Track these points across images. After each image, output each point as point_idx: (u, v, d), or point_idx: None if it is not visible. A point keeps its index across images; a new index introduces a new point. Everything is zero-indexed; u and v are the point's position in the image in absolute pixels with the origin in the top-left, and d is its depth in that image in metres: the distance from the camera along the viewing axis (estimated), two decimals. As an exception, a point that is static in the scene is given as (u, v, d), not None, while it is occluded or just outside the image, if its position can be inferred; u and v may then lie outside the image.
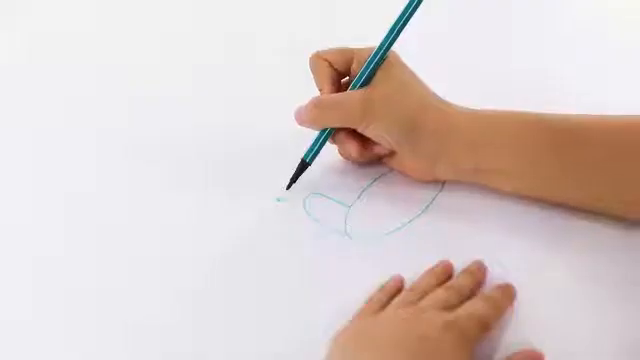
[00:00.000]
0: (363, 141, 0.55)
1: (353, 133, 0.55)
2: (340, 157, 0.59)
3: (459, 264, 0.50)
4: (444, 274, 0.50)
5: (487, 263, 0.50)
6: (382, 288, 0.50)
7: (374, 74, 0.54)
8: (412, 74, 0.55)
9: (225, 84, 0.69)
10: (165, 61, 0.73)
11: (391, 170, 0.58)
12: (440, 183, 0.56)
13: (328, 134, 0.55)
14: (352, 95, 0.54)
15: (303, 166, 0.56)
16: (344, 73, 0.56)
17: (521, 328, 0.47)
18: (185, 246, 0.54)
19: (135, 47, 0.75)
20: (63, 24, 0.80)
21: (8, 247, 0.55)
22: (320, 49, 0.56)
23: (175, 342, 0.48)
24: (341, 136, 0.55)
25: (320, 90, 0.56)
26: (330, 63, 0.55)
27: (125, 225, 0.56)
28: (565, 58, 0.71)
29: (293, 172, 0.56)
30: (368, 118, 0.53)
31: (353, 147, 0.55)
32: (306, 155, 0.56)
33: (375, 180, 0.58)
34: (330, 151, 0.58)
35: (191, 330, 0.49)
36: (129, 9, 0.81)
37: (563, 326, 0.47)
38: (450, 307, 0.46)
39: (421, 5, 0.53)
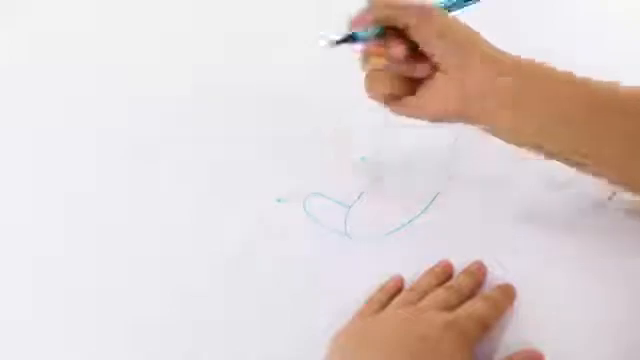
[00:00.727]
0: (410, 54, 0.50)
1: (403, 37, 0.50)
2: (340, 158, 0.58)
3: (459, 264, 0.51)
4: (444, 274, 0.50)
5: (487, 263, 0.50)
6: (382, 288, 0.50)
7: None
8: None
9: (225, 84, 0.69)
10: (165, 61, 0.73)
11: (391, 171, 0.57)
12: (440, 185, 0.56)
13: (378, 31, 0.50)
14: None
15: (350, 37, 0.51)
16: None
17: (521, 328, 0.47)
18: (185, 246, 0.54)
19: (135, 47, 0.75)
20: (63, 24, 0.80)
21: (8, 247, 0.55)
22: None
23: (175, 342, 0.48)
24: (391, 35, 0.50)
25: None
26: None
27: (125, 225, 0.56)
28: (565, 58, 0.71)
29: (341, 36, 0.51)
30: (426, 14, 0.49)
31: (401, 47, 0.49)
32: (355, 33, 0.51)
33: (375, 181, 0.58)
34: (331, 152, 0.58)
35: (191, 330, 0.49)
36: (129, 9, 0.81)
37: (563, 326, 0.47)
38: (450, 307, 0.46)
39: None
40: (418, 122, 0.56)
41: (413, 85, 0.51)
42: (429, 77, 0.50)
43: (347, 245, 0.53)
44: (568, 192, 0.54)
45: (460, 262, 0.51)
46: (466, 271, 0.50)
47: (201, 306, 0.50)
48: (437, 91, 0.50)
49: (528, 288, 0.48)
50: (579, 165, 0.49)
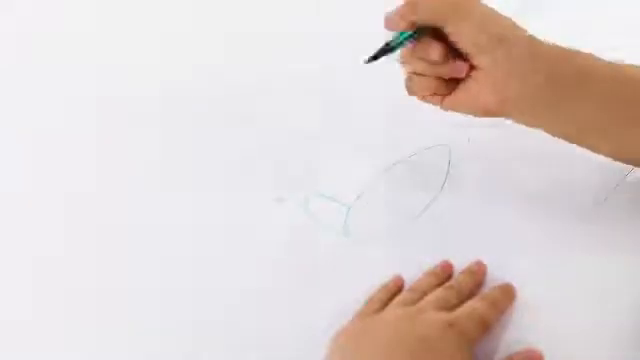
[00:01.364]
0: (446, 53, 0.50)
1: (438, 37, 0.50)
2: (340, 158, 0.58)
3: (459, 264, 0.50)
4: (444, 274, 0.50)
5: (487, 263, 0.50)
6: (382, 288, 0.50)
7: None
8: None
9: (225, 84, 0.69)
10: (165, 61, 0.73)
11: (391, 171, 0.57)
12: (440, 185, 0.56)
13: (412, 34, 0.51)
14: None
15: (386, 49, 0.52)
16: None
17: (521, 328, 0.47)
18: (185, 246, 0.54)
19: (135, 47, 0.75)
20: (63, 24, 0.80)
21: (8, 247, 0.55)
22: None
23: (175, 342, 0.48)
24: (427, 37, 0.50)
25: None
26: None
27: (125, 225, 0.56)
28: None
29: (376, 50, 0.51)
30: (461, 13, 0.49)
31: (437, 49, 0.50)
32: (391, 42, 0.51)
33: (375, 181, 0.58)
34: (330, 152, 0.58)
35: (191, 329, 0.49)
36: (129, 9, 0.81)
37: (563, 326, 0.47)
38: (450, 307, 0.46)
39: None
40: (419, 122, 0.56)
41: (453, 84, 0.51)
42: (468, 76, 0.50)
43: (347, 245, 0.53)
44: (568, 191, 0.54)
45: (460, 262, 0.51)
46: (466, 271, 0.50)
47: (201, 306, 0.50)
48: (474, 91, 0.50)
49: (528, 288, 0.48)
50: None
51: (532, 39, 0.49)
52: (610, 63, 0.49)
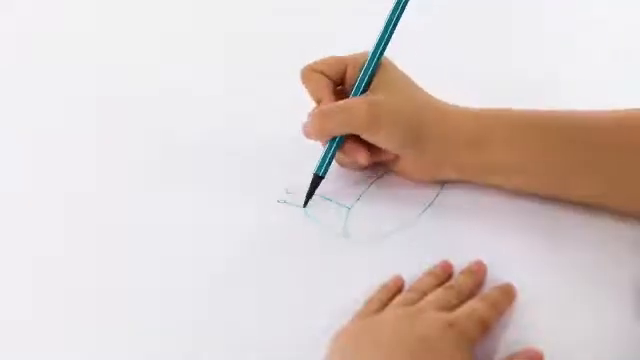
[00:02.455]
0: (369, 148, 0.54)
1: (360, 141, 0.54)
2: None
3: (459, 264, 0.50)
4: (444, 274, 0.50)
5: (487, 263, 0.50)
6: (382, 288, 0.50)
7: (371, 80, 0.54)
8: (407, 77, 0.55)
9: (225, 84, 0.69)
10: (165, 61, 0.73)
11: (391, 171, 0.57)
12: (440, 184, 0.56)
13: (337, 144, 0.54)
14: (356, 100, 0.53)
15: (317, 180, 0.55)
16: (338, 82, 0.56)
17: (521, 328, 0.47)
18: (185, 246, 0.54)
19: (135, 47, 0.75)
20: (63, 24, 0.80)
21: (8, 247, 0.55)
22: (311, 61, 0.55)
23: (175, 342, 0.48)
24: (350, 145, 0.54)
25: (318, 102, 0.55)
26: (324, 73, 0.55)
27: (125, 225, 0.56)
28: (566, 58, 0.71)
29: (308, 188, 0.55)
30: (375, 123, 0.52)
31: (362, 155, 0.54)
32: (318, 169, 0.55)
33: (375, 181, 0.58)
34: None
35: (191, 330, 0.49)
36: (129, 9, 0.81)
37: (563, 326, 0.47)
38: (450, 307, 0.46)
39: (409, 6, 0.53)
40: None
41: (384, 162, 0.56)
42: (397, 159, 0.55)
43: (347, 245, 0.53)
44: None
45: (460, 262, 0.51)
46: (466, 271, 0.50)
47: (201, 306, 0.50)
48: (408, 170, 0.56)
49: (528, 288, 0.48)
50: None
51: (444, 110, 0.54)
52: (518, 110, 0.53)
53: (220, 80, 0.70)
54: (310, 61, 0.56)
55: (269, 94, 0.66)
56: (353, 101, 0.53)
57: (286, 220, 0.55)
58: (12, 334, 0.49)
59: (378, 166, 0.57)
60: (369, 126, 0.52)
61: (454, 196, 0.56)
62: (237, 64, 0.72)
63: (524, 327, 0.47)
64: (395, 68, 0.55)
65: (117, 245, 0.54)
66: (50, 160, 0.62)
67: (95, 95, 0.69)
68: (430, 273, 0.50)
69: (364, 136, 0.53)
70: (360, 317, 0.48)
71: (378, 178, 0.58)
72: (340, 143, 0.54)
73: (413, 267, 0.50)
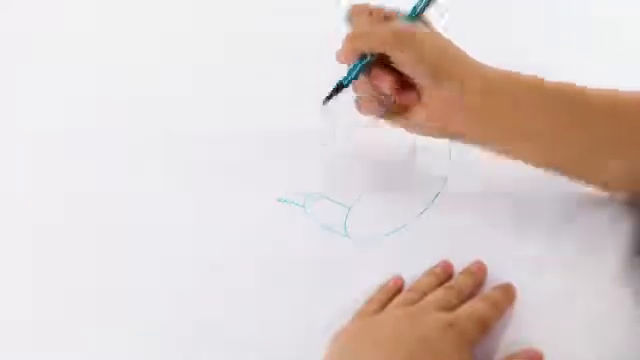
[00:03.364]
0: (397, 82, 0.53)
1: (388, 69, 0.53)
2: (340, 159, 0.58)
3: (459, 264, 0.51)
4: (444, 274, 0.50)
5: (487, 263, 0.50)
6: (382, 288, 0.50)
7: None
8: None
9: (225, 84, 0.69)
10: (165, 61, 0.73)
11: (391, 171, 0.57)
12: (440, 185, 0.56)
13: (365, 63, 0.54)
14: (387, 23, 0.53)
15: (339, 87, 0.55)
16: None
17: (521, 328, 0.47)
18: (185, 246, 0.54)
19: (135, 47, 0.75)
20: (63, 24, 0.80)
21: (8, 247, 0.55)
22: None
23: (175, 342, 0.48)
24: (377, 71, 0.53)
25: None
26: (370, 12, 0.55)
27: (125, 225, 0.56)
28: (567, 58, 0.71)
29: (329, 91, 0.55)
30: (401, 42, 0.51)
31: (387, 80, 0.53)
32: (343, 79, 0.55)
33: (375, 181, 0.58)
34: (330, 152, 0.58)
35: (191, 330, 0.49)
36: (129, 9, 0.81)
37: (563, 326, 0.47)
38: (450, 307, 0.46)
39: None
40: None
41: (402, 109, 0.54)
42: (416, 101, 0.53)
43: (347, 245, 0.53)
44: (568, 191, 0.54)
45: (460, 262, 0.51)
46: (466, 271, 0.50)
47: (201, 306, 0.50)
48: (421, 115, 0.53)
49: (528, 288, 0.48)
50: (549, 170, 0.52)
51: (468, 64, 0.52)
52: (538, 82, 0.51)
53: (220, 80, 0.70)
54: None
55: (269, 94, 0.66)
56: (383, 23, 0.53)
57: (286, 220, 0.55)
58: (12, 334, 0.49)
59: (396, 116, 0.55)
60: (395, 43, 0.52)
61: (454, 196, 0.56)
62: (237, 64, 0.72)
63: (524, 327, 0.47)
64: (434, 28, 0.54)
65: (117, 245, 0.54)
66: (50, 160, 0.62)
67: (95, 95, 0.69)
68: (430, 273, 0.50)
69: (392, 57, 0.52)
70: (360, 317, 0.48)
71: (378, 178, 0.58)
72: (367, 64, 0.54)
73: (413, 267, 0.50)
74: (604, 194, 0.54)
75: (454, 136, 0.53)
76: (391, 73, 0.53)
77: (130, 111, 0.67)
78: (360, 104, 0.56)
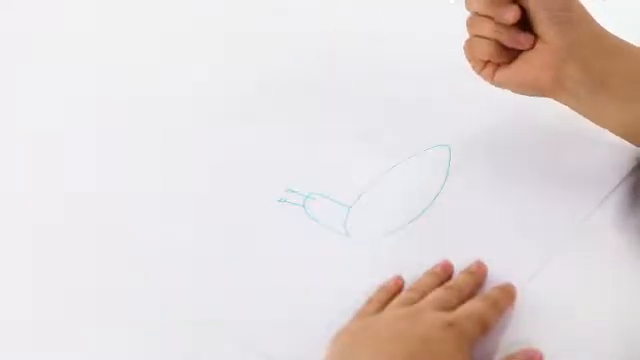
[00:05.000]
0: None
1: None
2: (340, 158, 0.58)
3: (459, 264, 0.50)
4: (444, 274, 0.50)
5: (487, 263, 0.50)
6: (382, 288, 0.50)
7: None
8: None
9: (225, 84, 0.69)
10: (165, 61, 0.73)
11: (391, 171, 0.57)
12: (440, 185, 0.56)
13: None
14: None
15: None
16: None
17: (521, 328, 0.47)
18: (185, 246, 0.54)
19: (135, 47, 0.75)
20: (63, 24, 0.80)
21: (9, 247, 0.55)
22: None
23: (175, 342, 0.48)
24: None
25: None
26: None
27: (125, 225, 0.56)
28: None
29: None
30: None
31: (514, 10, 0.50)
32: None
33: (375, 181, 0.58)
34: (331, 152, 0.58)
35: (191, 330, 0.49)
36: (129, 9, 0.81)
37: (563, 326, 0.47)
38: (450, 307, 0.46)
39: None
40: (419, 122, 0.56)
41: (512, 54, 0.51)
42: (529, 49, 0.50)
43: (347, 245, 0.53)
44: (569, 191, 0.54)
45: (460, 262, 0.51)
46: (466, 271, 0.50)
47: (201, 306, 0.50)
48: (532, 64, 0.50)
49: (528, 288, 0.48)
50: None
51: (603, 30, 0.50)
52: None
53: (220, 80, 0.70)
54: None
55: (269, 94, 0.66)
56: None
57: (286, 220, 0.55)
58: (12, 334, 0.49)
59: (503, 65, 0.52)
60: None
61: (454, 196, 0.56)
62: (237, 64, 0.72)
63: (524, 327, 0.47)
64: None
65: (117, 245, 0.54)
66: (50, 160, 0.62)
67: (95, 95, 0.69)
68: (430, 273, 0.50)
69: None
70: (360, 317, 0.48)
71: (379, 178, 0.58)
72: None
73: (413, 267, 0.50)
74: (606, 194, 0.54)
75: (557, 95, 0.51)
76: (516, 4, 0.50)
77: (130, 111, 0.67)
78: (472, 45, 0.53)
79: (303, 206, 0.56)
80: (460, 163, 0.57)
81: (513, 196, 0.54)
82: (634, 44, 0.50)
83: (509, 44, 0.51)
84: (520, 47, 0.51)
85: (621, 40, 0.50)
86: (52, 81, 0.71)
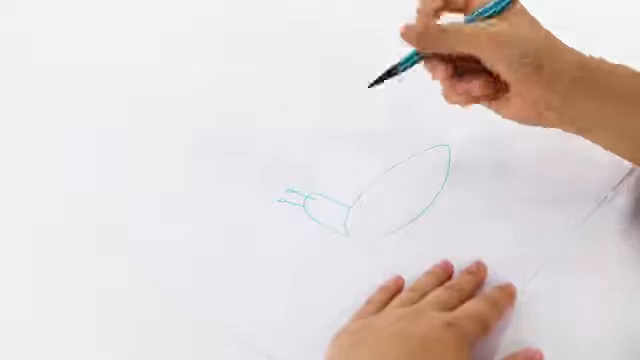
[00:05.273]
0: (456, 74, 0.51)
1: (446, 58, 0.50)
2: (340, 158, 0.58)
3: (459, 264, 0.50)
4: (444, 274, 0.50)
5: (487, 263, 0.50)
6: (382, 288, 0.50)
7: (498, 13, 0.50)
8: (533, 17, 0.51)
9: (225, 84, 0.69)
10: (165, 61, 0.73)
11: (391, 171, 0.57)
12: (440, 185, 0.56)
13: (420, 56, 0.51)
14: (477, 24, 0.50)
15: (392, 71, 0.52)
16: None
17: (521, 328, 0.47)
18: (185, 246, 0.54)
19: (135, 47, 0.75)
20: (63, 24, 0.80)
21: (9, 247, 0.55)
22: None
23: (175, 342, 0.48)
24: (434, 60, 0.51)
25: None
26: None
27: (125, 225, 0.56)
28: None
29: (381, 74, 0.52)
30: (495, 43, 0.48)
31: (442, 71, 0.50)
32: (399, 64, 0.52)
33: (375, 181, 0.58)
34: (331, 152, 0.58)
35: (191, 330, 0.49)
36: (129, 9, 0.81)
37: (563, 326, 0.47)
38: (450, 307, 0.46)
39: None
40: (419, 122, 0.56)
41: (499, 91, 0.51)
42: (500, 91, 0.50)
43: (347, 245, 0.53)
44: (569, 191, 0.54)
45: (460, 262, 0.51)
46: (466, 271, 0.50)
47: (201, 306, 0.50)
48: (515, 104, 0.50)
49: (528, 288, 0.48)
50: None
51: (568, 53, 0.49)
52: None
53: (220, 80, 0.70)
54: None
55: (269, 94, 0.66)
56: (473, 24, 0.50)
57: (286, 220, 0.55)
58: (12, 334, 0.49)
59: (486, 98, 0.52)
60: (487, 42, 0.49)
61: (454, 196, 0.56)
62: (237, 64, 0.72)
63: (524, 327, 0.47)
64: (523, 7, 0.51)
65: (117, 245, 0.54)
66: (50, 160, 0.62)
67: (95, 95, 0.69)
68: (430, 273, 0.50)
69: (481, 58, 0.49)
70: (360, 317, 0.48)
71: (379, 178, 0.58)
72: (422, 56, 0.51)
73: (413, 267, 0.50)
74: (606, 195, 0.54)
75: (547, 123, 0.51)
76: (449, 64, 0.50)
77: (130, 111, 0.67)
78: (444, 92, 0.53)
79: (303, 206, 0.56)
80: (460, 163, 0.57)
81: (513, 196, 0.54)
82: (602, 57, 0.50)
83: (457, 93, 0.51)
84: (474, 94, 0.51)
85: (589, 58, 0.50)
86: (52, 81, 0.71)
